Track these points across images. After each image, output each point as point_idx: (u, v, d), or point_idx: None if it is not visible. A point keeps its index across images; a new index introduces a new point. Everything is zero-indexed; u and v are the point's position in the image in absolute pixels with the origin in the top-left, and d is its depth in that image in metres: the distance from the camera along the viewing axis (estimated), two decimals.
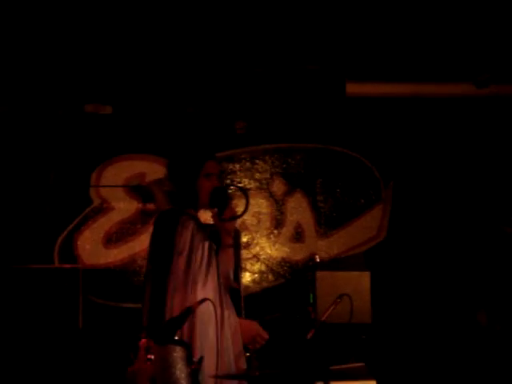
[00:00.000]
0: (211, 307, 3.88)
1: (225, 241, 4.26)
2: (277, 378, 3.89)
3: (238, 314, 4.29)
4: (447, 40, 6.46)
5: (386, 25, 6.28)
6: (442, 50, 6.60)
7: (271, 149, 7.02)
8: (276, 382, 3.88)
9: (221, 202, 4.23)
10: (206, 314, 3.98)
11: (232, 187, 4.44)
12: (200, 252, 4.11)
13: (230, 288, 4.30)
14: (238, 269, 4.42)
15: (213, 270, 4.14)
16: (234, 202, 4.62)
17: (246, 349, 4.22)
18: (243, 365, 4.19)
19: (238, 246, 4.44)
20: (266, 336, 4.28)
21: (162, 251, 4.14)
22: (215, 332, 3.98)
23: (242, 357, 4.19)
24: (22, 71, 6.62)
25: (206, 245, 4.16)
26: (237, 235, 4.45)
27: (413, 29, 6.31)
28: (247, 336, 4.22)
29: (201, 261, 4.10)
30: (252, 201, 6.81)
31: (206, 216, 4.45)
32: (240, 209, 4.26)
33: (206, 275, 4.09)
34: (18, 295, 6.21)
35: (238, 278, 4.39)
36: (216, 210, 4.26)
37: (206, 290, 4.06)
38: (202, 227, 4.21)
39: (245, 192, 4.42)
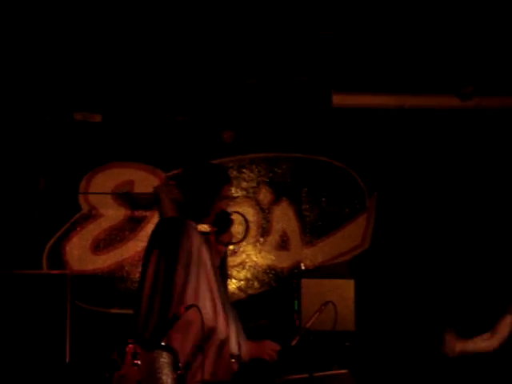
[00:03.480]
0: (198, 313, 3.85)
1: (214, 261, 4.32)
2: None
3: None
4: (431, 53, 6.53)
5: (372, 38, 6.35)
6: (427, 62, 6.66)
7: (258, 158, 7.06)
8: None
9: (222, 225, 4.34)
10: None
11: (234, 213, 4.52)
12: (207, 264, 4.15)
13: None
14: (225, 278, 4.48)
15: (218, 282, 4.20)
16: (235, 226, 4.66)
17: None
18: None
19: (224, 255, 4.52)
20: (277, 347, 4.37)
21: (167, 260, 4.13)
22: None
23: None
24: (12, 79, 6.63)
25: (209, 258, 4.21)
26: None
27: (398, 42, 6.39)
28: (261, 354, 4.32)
29: (209, 273, 4.14)
30: (239, 209, 6.86)
31: (202, 227, 4.50)
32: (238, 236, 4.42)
33: (212, 287, 4.12)
34: (5, 301, 6.22)
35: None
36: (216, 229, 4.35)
37: (214, 301, 4.08)
38: (204, 239, 4.26)
39: (246, 220, 4.52)
